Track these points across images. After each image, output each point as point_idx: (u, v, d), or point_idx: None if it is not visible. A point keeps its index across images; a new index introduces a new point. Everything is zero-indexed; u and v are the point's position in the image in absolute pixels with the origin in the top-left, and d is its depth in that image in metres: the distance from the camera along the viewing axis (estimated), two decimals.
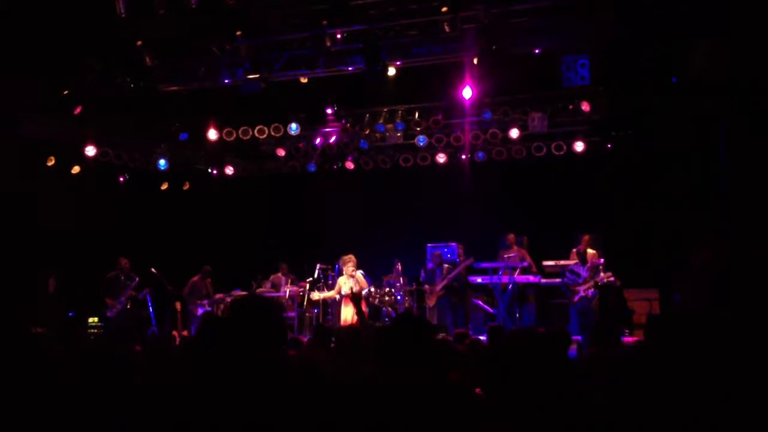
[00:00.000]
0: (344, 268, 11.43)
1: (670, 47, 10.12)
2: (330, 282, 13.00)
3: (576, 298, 11.69)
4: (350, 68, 11.02)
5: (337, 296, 11.59)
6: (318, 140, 14.96)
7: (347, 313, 11.06)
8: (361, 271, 12.82)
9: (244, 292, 13.85)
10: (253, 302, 3.13)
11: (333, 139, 14.81)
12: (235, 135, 14.29)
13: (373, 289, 12.32)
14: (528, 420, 3.12)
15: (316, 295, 12.13)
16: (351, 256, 11.31)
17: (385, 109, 14.12)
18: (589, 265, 11.82)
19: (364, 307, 11.16)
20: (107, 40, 10.63)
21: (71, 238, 13.02)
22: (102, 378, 3.43)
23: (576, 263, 12.10)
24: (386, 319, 13.04)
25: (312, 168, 15.83)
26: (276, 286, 14.20)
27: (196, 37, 10.90)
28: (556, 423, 3.03)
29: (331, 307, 12.98)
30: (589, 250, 12.73)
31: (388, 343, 3.24)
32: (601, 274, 11.65)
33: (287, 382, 2.79)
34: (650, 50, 10.43)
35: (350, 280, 11.15)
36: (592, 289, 11.61)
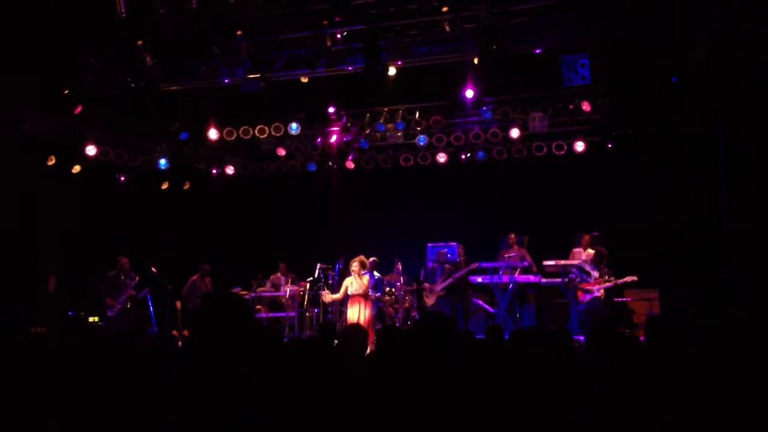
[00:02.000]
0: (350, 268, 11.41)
1: (671, 46, 10.11)
2: (330, 282, 12.99)
3: (588, 298, 11.58)
4: (350, 68, 11.02)
5: (339, 296, 11.49)
6: (318, 140, 14.96)
7: (353, 314, 11.01)
8: (377, 274, 12.82)
9: (244, 291, 13.86)
10: (219, 300, 3.15)
11: (333, 138, 14.80)
12: (235, 134, 14.28)
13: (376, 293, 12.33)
14: (530, 418, 3.12)
15: (328, 297, 11.83)
16: (361, 257, 11.26)
17: (386, 109, 14.11)
18: (601, 265, 11.71)
19: (370, 310, 11.15)
20: (108, 39, 10.64)
21: (71, 238, 13.02)
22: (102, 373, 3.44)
23: (584, 261, 12.01)
24: (387, 319, 13.05)
25: (312, 168, 15.83)
26: (276, 286, 14.20)
27: (197, 37, 10.90)
28: (560, 421, 3.04)
29: (332, 307, 12.97)
30: (589, 250, 12.73)
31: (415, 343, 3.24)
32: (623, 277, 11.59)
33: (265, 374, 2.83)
34: (650, 50, 10.42)
35: (357, 280, 11.11)
36: (604, 290, 11.54)
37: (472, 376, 3.54)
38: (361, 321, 10.75)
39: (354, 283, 10.95)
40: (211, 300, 3.16)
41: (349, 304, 11.10)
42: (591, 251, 12.66)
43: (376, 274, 12.93)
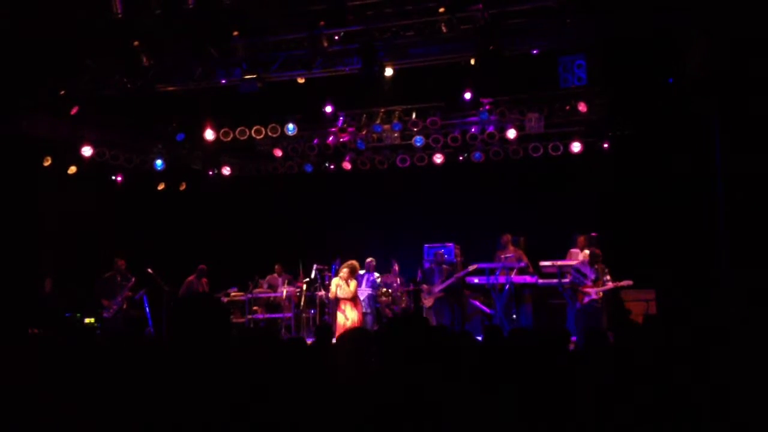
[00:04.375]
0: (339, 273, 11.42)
1: (667, 47, 10.14)
2: (327, 282, 13.01)
3: (586, 300, 11.58)
4: (347, 69, 11.02)
5: (331, 296, 11.51)
6: (315, 141, 14.95)
7: (341, 318, 11.02)
8: (376, 275, 12.81)
9: (240, 292, 13.86)
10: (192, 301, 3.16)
11: (330, 139, 14.80)
12: (232, 135, 14.27)
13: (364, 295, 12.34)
14: (528, 418, 3.12)
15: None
16: (352, 263, 11.26)
17: (383, 110, 14.12)
18: (596, 266, 11.72)
19: (359, 314, 11.19)
20: (104, 40, 10.61)
21: (67, 239, 12.99)
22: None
23: (581, 262, 12.02)
24: (384, 320, 13.06)
25: (309, 168, 15.84)
26: (273, 287, 14.20)
27: (193, 37, 10.88)
28: (557, 420, 3.04)
29: (328, 307, 12.97)
30: (586, 251, 12.73)
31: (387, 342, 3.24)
32: (608, 277, 11.59)
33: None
34: (646, 50, 10.45)
35: (343, 285, 11.12)
36: (602, 293, 11.53)
37: (471, 376, 3.54)
38: (348, 324, 10.80)
39: (341, 288, 11.00)
40: (186, 303, 3.17)
41: (337, 308, 11.14)
42: (587, 252, 12.67)
43: (376, 274, 12.92)
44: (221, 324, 2.96)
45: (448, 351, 3.64)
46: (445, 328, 6.13)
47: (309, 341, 8.31)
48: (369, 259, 13.06)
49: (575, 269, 11.91)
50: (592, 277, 11.62)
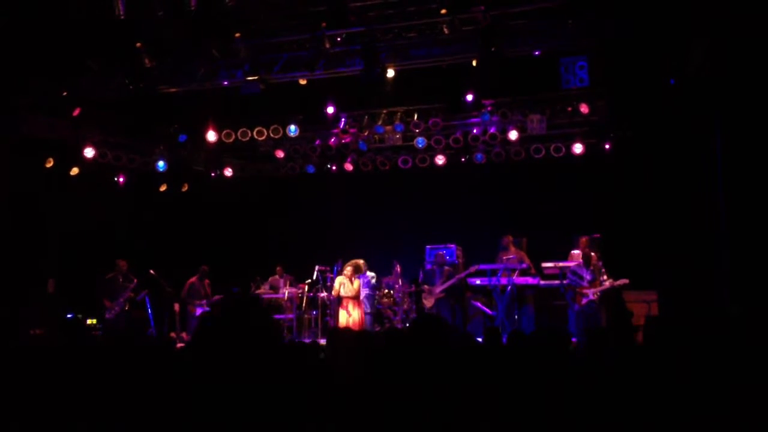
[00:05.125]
0: (343, 271, 11.45)
1: (667, 48, 10.13)
2: (328, 284, 13.02)
3: (584, 301, 11.60)
4: (349, 70, 11.04)
5: (334, 294, 11.59)
6: (317, 142, 14.96)
7: (343, 316, 11.06)
8: (371, 275, 12.84)
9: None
10: (242, 303, 3.14)
11: (332, 140, 14.81)
12: (233, 136, 14.29)
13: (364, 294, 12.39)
14: (529, 417, 3.13)
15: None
16: (356, 262, 11.32)
17: (384, 111, 14.12)
18: (591, 267, 11.75)
19: (362, 313, 11.27)
20: (106, 41, 10.64)
21: (70, 240, 13.02)
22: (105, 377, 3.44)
23: (577, 264, 12.05)
24: (386, 321, 13.08)
25: (311, 169, 15.84)
26: (275, 288, 14.20)
27: (195, 39, 10.91)
28: (559, 420, 3.04)
29: (330, 309, 12.99)
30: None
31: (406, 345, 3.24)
32: (605, 277, 11.59)
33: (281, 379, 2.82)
34: (648, 51, 10.44)
35: (347, 283, 11.14)
36: (600, 293, 11.54)
37: (470, 377, 3.54)
38: (350, 323, 10.86)
39: (345, 286, 11.10)
40: (231, 303, 3.15)
41: (340, 306, 11.23)
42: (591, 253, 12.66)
43: (370, 273, 12.94)
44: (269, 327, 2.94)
45: (449, 353, 3.64)
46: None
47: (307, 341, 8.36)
48: (361, 261, 13.07)
49: (572, 271, 11.93)
50: (589, 278, 11.64)
